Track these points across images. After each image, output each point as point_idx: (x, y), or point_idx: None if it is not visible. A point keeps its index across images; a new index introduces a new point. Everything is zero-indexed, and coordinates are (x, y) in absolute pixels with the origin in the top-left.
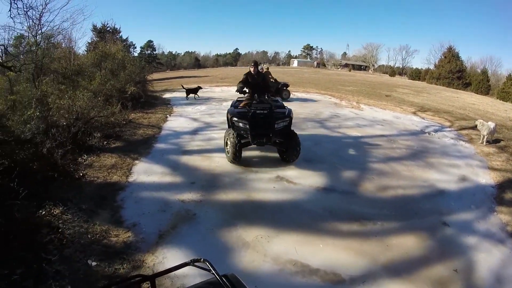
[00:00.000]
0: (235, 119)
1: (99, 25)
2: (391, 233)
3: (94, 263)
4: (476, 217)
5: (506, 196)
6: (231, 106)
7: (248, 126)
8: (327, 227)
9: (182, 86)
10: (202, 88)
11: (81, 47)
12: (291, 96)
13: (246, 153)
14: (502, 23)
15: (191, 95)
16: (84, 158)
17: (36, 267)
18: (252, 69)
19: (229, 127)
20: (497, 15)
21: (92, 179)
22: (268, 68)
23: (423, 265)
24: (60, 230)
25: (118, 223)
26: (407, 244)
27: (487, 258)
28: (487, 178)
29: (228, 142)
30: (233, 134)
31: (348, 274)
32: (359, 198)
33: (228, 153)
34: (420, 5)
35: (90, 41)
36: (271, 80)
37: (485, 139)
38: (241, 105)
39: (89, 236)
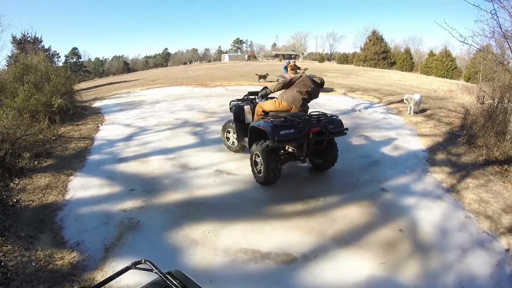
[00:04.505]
0: None
1: (19, 36)
2: (334, 206)
3: None
4: (412, 180)
5: (437, 158)
6: None
7: None
8: (272, 212)
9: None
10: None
11: (1, 62)
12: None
13: (183, 152)
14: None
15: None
16: (16, 182)
17: None
18: None
19: None
20: None
21: (27, 203)
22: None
23: (369, 231)
24: (2, 264)
25: (61, 245)
26: (351, 214)
27: (428, 214)
28: (418, 144)
29: None
30: None
31: (300, 252)
32: (298, 179)
33: None
34: None
35: (10, 55)
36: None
37: (412, 110)
38: None
39: (33, 264)
